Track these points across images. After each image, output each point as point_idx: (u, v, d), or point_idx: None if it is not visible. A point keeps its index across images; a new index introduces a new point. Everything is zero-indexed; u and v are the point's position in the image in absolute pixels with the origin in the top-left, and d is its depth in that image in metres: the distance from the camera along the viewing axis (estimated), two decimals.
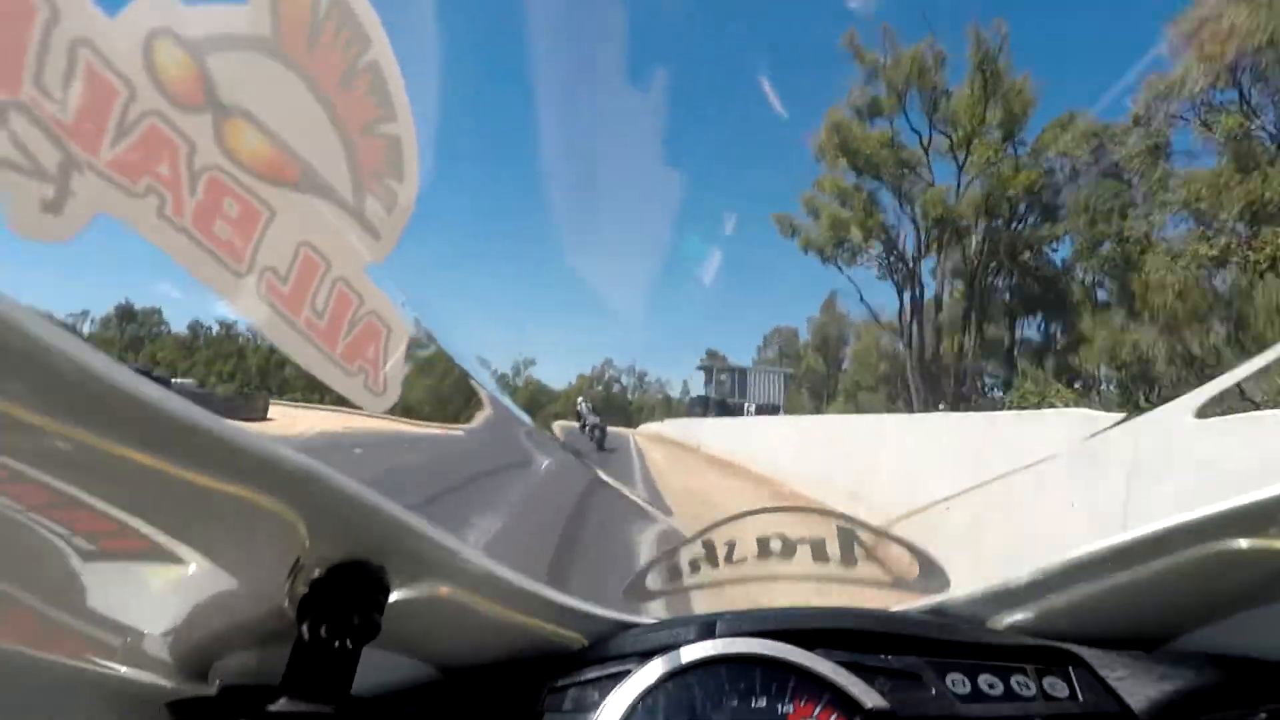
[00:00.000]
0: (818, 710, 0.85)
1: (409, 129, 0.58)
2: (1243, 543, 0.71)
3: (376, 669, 0.77)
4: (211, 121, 0.48)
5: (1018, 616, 0.97)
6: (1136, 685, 0.91)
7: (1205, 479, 3.20)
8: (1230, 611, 0.83)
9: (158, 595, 0.60)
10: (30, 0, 0.37)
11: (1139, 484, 3.63)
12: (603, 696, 0.87)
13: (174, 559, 0.55)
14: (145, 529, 0.50)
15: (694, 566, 1.25)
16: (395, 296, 0.62)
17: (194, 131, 0.47)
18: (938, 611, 1.04)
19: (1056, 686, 0.92)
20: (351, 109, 0.54)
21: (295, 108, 0.52)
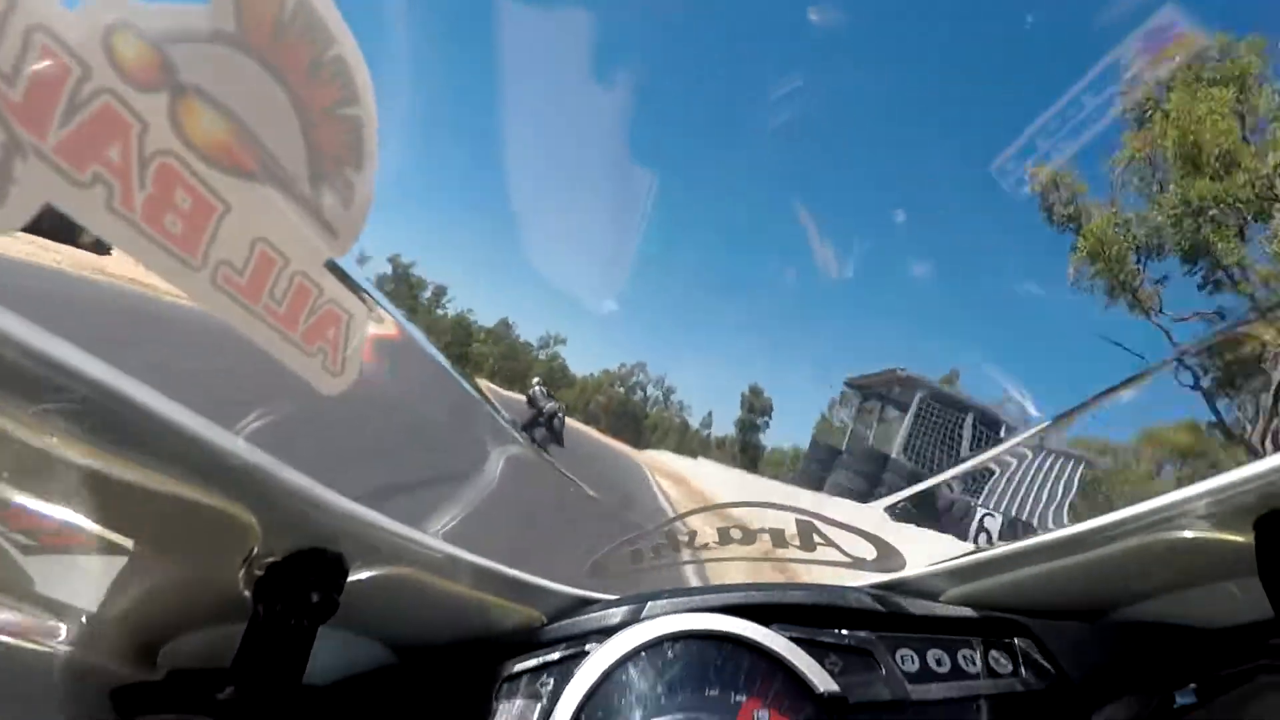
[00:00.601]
0: (771, 693, 0.88)
1: (370, 113, 0.57)
2: (1183, 533, 0.74)
3: (331, 655, 0.78)
4: (167, 102, 0.47)
5: (967, 590, 1.00)
6: (1078, 656, 0.95)
7: None
8: (1169, 589, 0.87)
9: (105, 577, 0.60)
10: None
11: None
12: (562, 679, 0.88)
13: (122, 550, 0.55)
14: (90, 521, 0.50)
15: (657, 551, 1.27)
16: (357, 281, 0.62)
17: (148, 111, 0.46)
18: (891, 587, 1.07)
19: (1000, 661, 0.96)
20: (314, 94, 0.54)
21: (256, 92, 0.51)
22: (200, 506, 0.53)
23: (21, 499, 0.46)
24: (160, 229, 0.46)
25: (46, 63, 0.41)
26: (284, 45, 0.50)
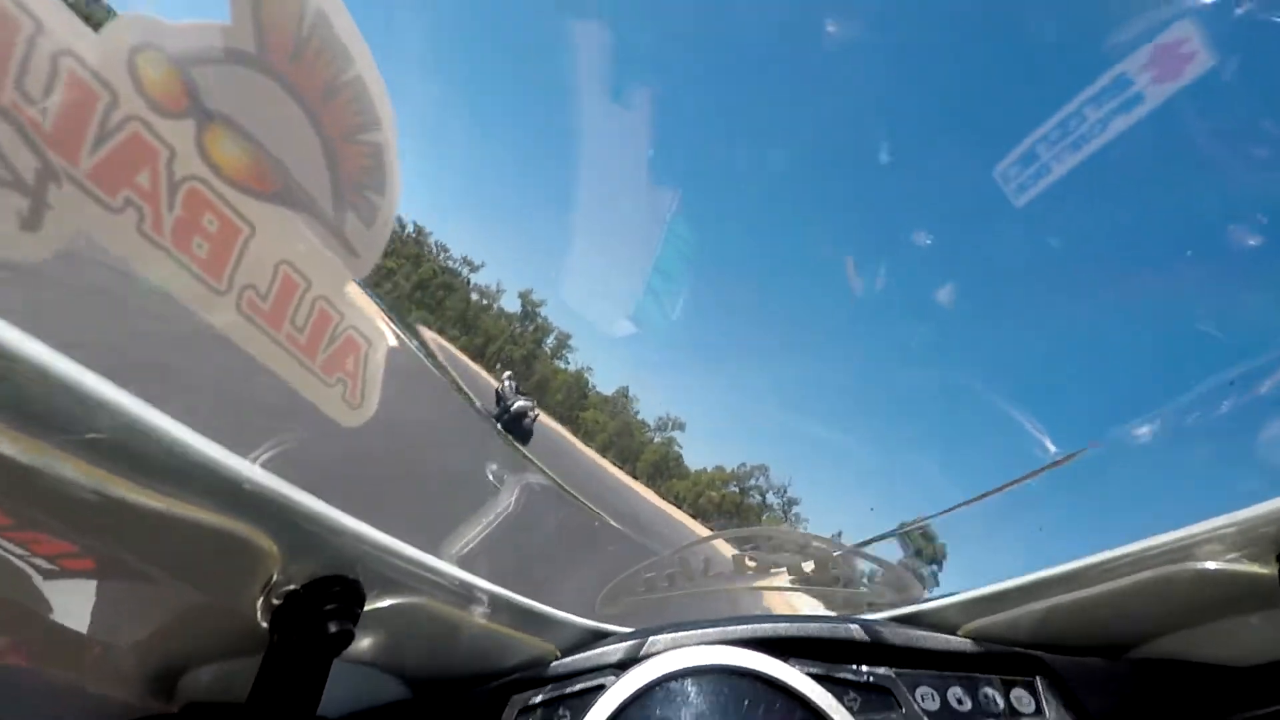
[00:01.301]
0: None
1: (391, 138, 0.57)
2: (1206, 564, 0.73)
3: (346, 689, 0.77)
4: (194, 126, 0.48)
5: (986, 624, 0.98)
6: (1102, 693, 0.92)
7: None
8: (1190, 624, 0.85)
9: (126, 605, 0.59)
10: (13, 14, 0.37)
11: None
12: (579, 713, 0.87)
13: (143, 576, 0.54)
14: (112, 549, 0.49)
15: (670, 580, 1.25)
16: (376, 307, 0.62)
17: (175, 137, 0.47)
18: (910, 620, 1.05)
19: (1023, 700, 0.93)
20: (334, 117, 0.54)
21: (278, 115, 0.51)
22: (221, 533, 0.53)
23: (44, 525, 0.46)
24: (189, 252, 0.46)
25: (75, 89, 0.41)
26: (302, 65, 0.50)
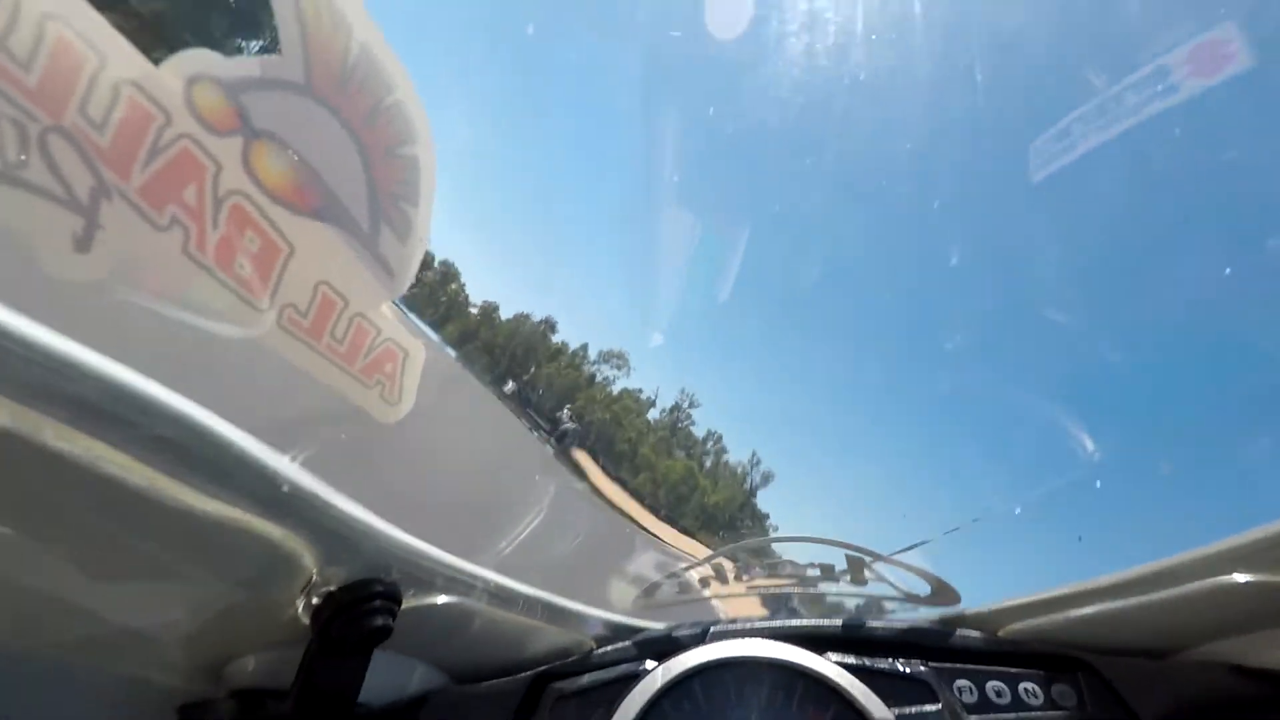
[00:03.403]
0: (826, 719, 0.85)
1: (429, 153, 0.59)
2: (1255, 575, 0.71)
3: (388, 678, 0.78)
4: (241, 143, 0.50)
5: (1026, 626, 0.96)
6: (1147, 694, 0.89)
7: None
8: (1243, 631, 0.82)
9: (173, 602, 0.62)
10: (80, 49, 0.39)
11: None
12: (614, 700, 0.87)
13: (186, 575, 0.57)
14: (158, 548, 0.52)
15: (704, 583, 1.25)
16: (414, 320, 0.64)
17: (222, 154, 0.49)
18: (949, 621, 1.03)
19: (1065, 695, 0.90)
20: (375, 137, 0.56)
21: (321, 135, 0.53)
22: (262, 537, 0.55)
23: (95, 524, 0.48)
24: (231, 272, 0.48)
25: (132, 112, 0.43)
26: (348, 93, 0.52)
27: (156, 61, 0.44)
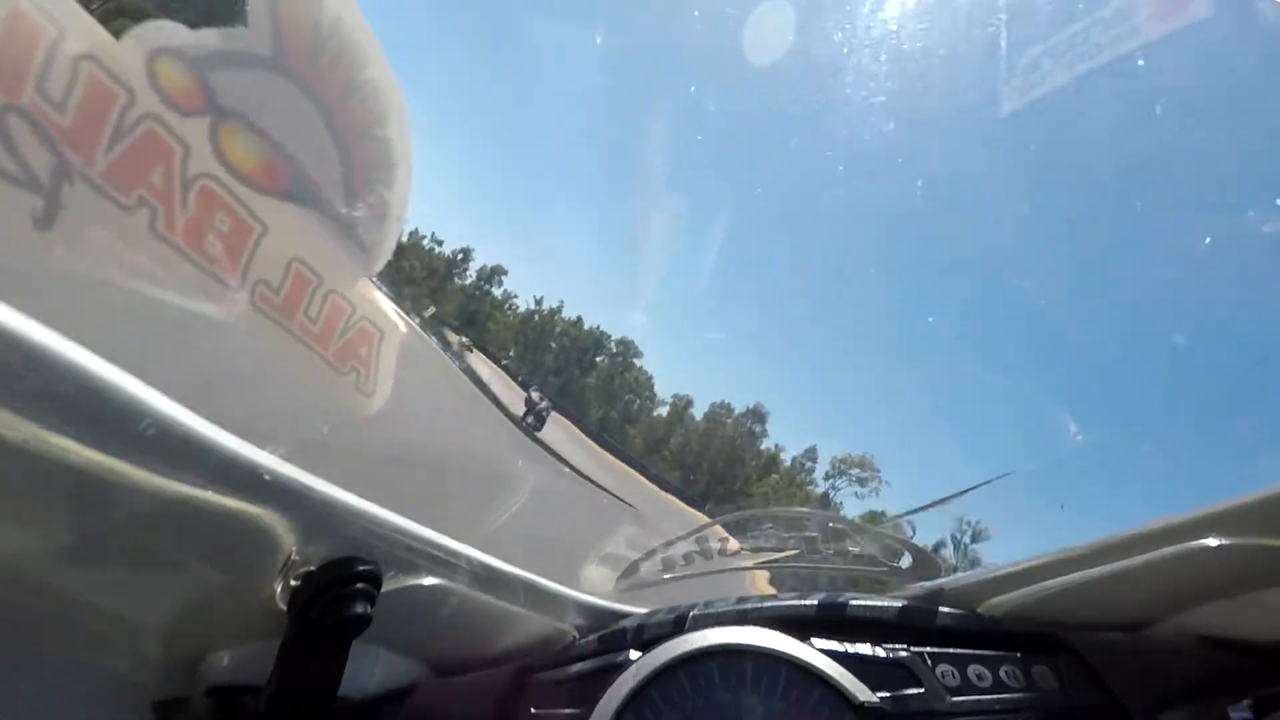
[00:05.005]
0: (809, 706, 0.86)
1: (403, 134, 0.58)
2: (1233, 539, 0.72)
3: (368, 671, 0.78)
4: (209, 124, 0.49)
5: (1005, 600, 0.98)
6: (1124, 669, 0.91)
7: None
8: (1215, 597, 0.84)
9: (147, 586, 0.61)
10: (37, 21, 0.38)
11: None
12: (596, 691, 0.88)
13: (160, 559, 0.56)
14: (129, 533, 0.51)
15: (687, 559, 1.26)
16: (389, 297, 0.63)
17: (190, 135, 0.48)
18: (929, 598, 1.05)
19: (1045, 676, 0.93)
20: (350, 116, 0.55)
21: (293, 114, 0.52)
22: (235, 516, 0.54)
23: (64, 511, 0.47)
24: (200, 251, 0.47)
25: (94, 90, 0.42)
26: (320, 68, 0.51)
27: (117, 33, 0.42)
